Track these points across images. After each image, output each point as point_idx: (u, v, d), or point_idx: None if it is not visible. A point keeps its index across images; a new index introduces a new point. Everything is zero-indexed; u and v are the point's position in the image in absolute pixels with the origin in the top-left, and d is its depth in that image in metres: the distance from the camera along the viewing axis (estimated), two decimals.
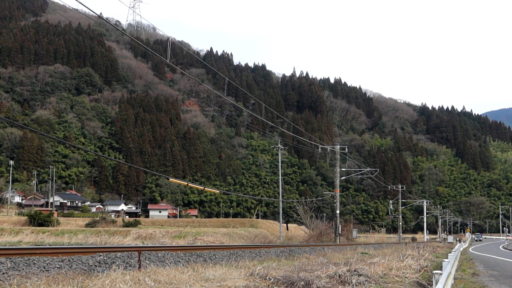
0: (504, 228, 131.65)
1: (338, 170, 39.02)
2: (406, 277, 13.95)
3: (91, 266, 11.80)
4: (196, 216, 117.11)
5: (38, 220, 60.38)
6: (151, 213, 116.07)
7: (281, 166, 54.70)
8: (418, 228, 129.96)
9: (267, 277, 10.64)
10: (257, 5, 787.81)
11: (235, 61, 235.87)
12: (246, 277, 10.79)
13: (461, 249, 37.95)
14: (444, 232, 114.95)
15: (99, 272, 10.86)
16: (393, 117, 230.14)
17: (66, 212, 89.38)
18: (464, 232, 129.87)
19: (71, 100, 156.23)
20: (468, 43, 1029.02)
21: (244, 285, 9.79)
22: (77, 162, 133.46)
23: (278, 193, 57.52)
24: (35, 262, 10.94)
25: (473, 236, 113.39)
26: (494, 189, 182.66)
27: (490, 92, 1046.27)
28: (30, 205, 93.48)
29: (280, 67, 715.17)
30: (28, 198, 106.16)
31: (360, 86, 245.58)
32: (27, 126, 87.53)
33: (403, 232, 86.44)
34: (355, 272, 12.42)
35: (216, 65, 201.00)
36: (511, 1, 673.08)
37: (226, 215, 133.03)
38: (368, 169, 59.24)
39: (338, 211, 38.10)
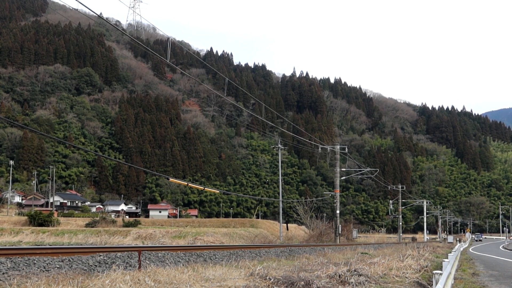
0: (504, 228, 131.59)
1: (338, 170, 39.02)
2: (406, 277, 13.95)
3: (91, 266, 11.80)
4: (196, 216, 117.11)
5: (38, 220, 60.31)
6: (151, 213, 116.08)
7: (281, 166, 54.67)
8: (418, 228, 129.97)
9: (267, 277, 10.64)
10: (257, 6, 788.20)
11: (235, 61, 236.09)
12: (246, 277, 10.79)
13: (461, 249, 37.95)
14: (444, 232, 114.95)
15: (99, 272, 10.86)
16: (393, 117, 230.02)
17: (66, 212, 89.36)
18: (464, 232, 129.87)
19: (71, 100, 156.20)
20: (468, 43, 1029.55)
21: (244, 285, 9.79)
22: (77, 162, 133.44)
23: (278, 193, 57.51)
24: (35, 262, 10.94)
25: (473, 236, 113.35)
26: (494, 189, 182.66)
27: (490, 92, 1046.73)
28: (30, 205, 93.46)
29: (280, 67, 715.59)
30: (28, 198, 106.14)
31: (360, 86, 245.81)
32: (27, 126, 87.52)
33: (403, 232, 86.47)
34: (355, 272, 12.42)
35: (216, 65, 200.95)
36: (511, 1, 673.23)
37: (226, 215, 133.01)
38: (368, 169, 59.26)
39: (338, 211, 38.11)
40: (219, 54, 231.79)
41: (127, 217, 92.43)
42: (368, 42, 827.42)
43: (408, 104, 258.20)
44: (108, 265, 12.01)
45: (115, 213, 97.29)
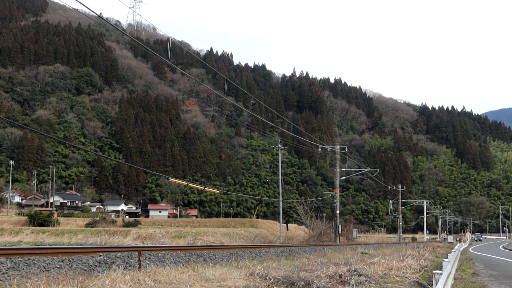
0: (504, 228, 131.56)
1: (338, 170, 39.01)
2: (406, 277, 13.94)
3: (91, 266, 11.80)
4: (196, 216, 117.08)
5: (38, 220, 60.27)
6: (151, 213, 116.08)
7: (281, 166, 54.64)
8: (418, 228, 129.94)
9: (267, 277, 10.64)
10: (257, 6, 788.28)
11: (235, 61, 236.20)
12: (246, 277, 10.79)
13: (461, 249, 37.95)
14: (444, 232, 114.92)
15: (99, 272, 10.86)
16: (393, 117, 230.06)
17: (66, 212, 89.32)
18: (464, 232, 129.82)
19: (71, 100, 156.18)
20: (467, 43, 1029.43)
21: (244, 285, 9.79)
22: (77, 162, 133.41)
23: (278, 193, 57.49)
24: (35, 262, 10.94)
25: (473, 236, 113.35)
26: (494, 189, 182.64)
27: (490, 92, 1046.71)
28: (30, 205, 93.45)
29: (280, 67, 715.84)
30: (28, 198, 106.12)
31: (360, 86, 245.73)
32: (27, 126, 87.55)
33: (403, 232, 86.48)
34: (355, 272, 12.42)
35: (216, 65, 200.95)
36: (511, 1, 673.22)
37: (226, 215, 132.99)
38: (368, 169, 59.14)
39: (338, 211, 38.11)
40: (219, 54, 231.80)
41: (127, 217, 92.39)
42: (368, 42, 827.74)
43: (408, 104, 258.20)
44: (108, 265, 12.01)
45: (115, 213, 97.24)
